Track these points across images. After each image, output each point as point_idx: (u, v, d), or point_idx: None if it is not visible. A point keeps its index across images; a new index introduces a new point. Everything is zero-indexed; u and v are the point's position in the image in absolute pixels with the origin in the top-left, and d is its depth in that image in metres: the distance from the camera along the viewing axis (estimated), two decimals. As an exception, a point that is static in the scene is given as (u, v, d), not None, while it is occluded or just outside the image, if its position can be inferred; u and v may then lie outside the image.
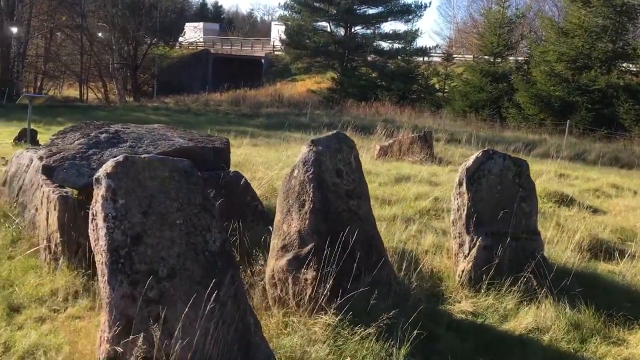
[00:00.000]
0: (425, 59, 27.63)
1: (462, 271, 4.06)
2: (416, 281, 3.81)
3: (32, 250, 4.39)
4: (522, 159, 4.45)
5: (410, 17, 29.37)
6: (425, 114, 20.22)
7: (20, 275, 4.05)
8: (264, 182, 6.36)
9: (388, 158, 9.50)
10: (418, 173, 7.75)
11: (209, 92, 29.74)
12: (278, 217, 3.54)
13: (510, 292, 3.82)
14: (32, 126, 10.86)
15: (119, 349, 2.54)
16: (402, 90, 24.21)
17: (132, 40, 32.11)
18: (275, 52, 36.86)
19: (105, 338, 2.62)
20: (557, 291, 3.79)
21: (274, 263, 3.44)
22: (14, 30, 24.13)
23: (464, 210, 4.18)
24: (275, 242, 3.50)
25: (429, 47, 29.06)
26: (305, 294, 3.22)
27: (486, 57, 22.95)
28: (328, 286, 3.13)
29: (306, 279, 3.24)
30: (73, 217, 4.00)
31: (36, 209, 4.87)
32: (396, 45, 28.73)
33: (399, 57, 26.84)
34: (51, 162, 4.49)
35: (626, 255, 4.67)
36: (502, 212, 4.14)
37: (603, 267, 4.65)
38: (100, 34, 31.77)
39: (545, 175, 8.30)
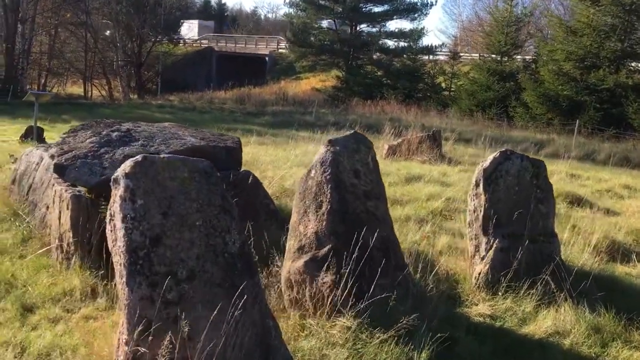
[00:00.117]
0: (431, 57, 27.50)
1: (479, 273, 4.01)
2: (432, 283, 3.76)
3: (43, 249, 4.36)
4: (540, 160, 4.39)
5: (415, 15, 29.29)
6: (431, 113, 20.13)
7: (32, 274, 4.01)
8: (274, 182, 6.32)
9: (397, 157, 9.44)
10: (428, 173, 7.69)
11: (213, 89, 29.69)
12: (294, 217, 3.50)
13: (528, 295, 3.77)
14: (38, 123, 10.84)
15: (138, 351, 2.51)
16: (408, 89, 24.10)
17: (137, 37, 32.08)
18: (280, 50, 36.79)
19: (124, 340, 2.58)
20: (576, 294, 3.73)
21: (290, 264, 3.39)
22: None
23: (480, 211, 4.12)
24: (291, 244, 3.45)
25: (435, 46, 28.97)
26: (323, 296, 3.17)
27: (493, 55, 22.81)
28: (347, 289, 3.08)
29: (324, 281, 3.20)
30: (86, 216, 3.97)
31: (47, 208, 4.84)
32: (402, 44, 28.65)
33: (405, 56, 26.72)
34: (63, 160, 4.45)
35: (643, 258, 4.61)
36: (519, 213, 4.08)
37: (620, 269, 4.59)
38: (108, 32, 31.77)
39: (556, 175, 8.22)
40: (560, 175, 8.37)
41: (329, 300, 3.11)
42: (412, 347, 2.96)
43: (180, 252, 2.61)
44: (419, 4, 29.02)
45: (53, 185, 4.47)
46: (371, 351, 2.95)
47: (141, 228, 2.57)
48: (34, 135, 10.53)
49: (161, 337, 2.50)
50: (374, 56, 28.40)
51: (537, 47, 22.87)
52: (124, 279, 2.57)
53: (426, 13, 31.28)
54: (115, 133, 4.85)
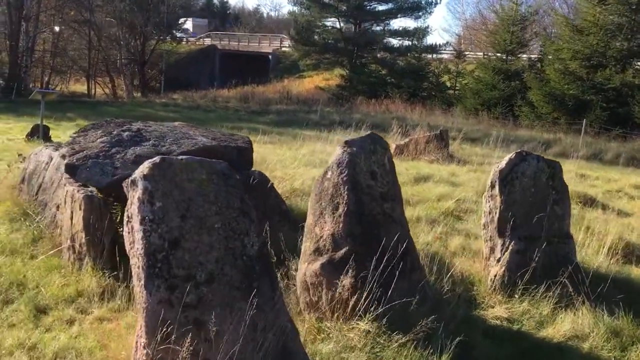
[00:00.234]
0: (435, 56, 27.39)
1: (495, 275, 3.97)
2: (447, 286, 3.72)
3: (55, 250, 4.33)
4: (555, 161, 4.34)
5: (420, 13, 29.15)
6: (436, 112, 20.04)
7: (44, 275, 3.99)
8: (283, 182, 6.28)
9: (404, 157, 9.39)
10: (437, 173, 7.64)
11: (217, 88, 29.65)
12: (310, 219, 3.46)
13: (545, 298, 3.73)
14: (44, 122, 10.82)
15: (157, 355, 2.48)
16: (413, 88, 23.98)
17: (140, 35, 32.03)
18: (283, 49, 36.71)
19: (142, 344, 2.56)
20: (594, 297, 3.69)
21: (306, 267, 3.36)
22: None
23: (496, 213, 4.08)
24: (307, 245, 3.42)
25: (439, 45, 28.85)
26: (341, 299, 3.14)
27: (498, 54, 22.68)
28: (365, 292, 3.04)
29: (341, 284, 3.16)
30: (98, 216, 3.94)
31: (57, 208, 4.81)
32: (406, 42, 28.53)
33: (409, 54, 26.63)
34: (74, 160, 4.42)
35: (659, 260, 4.56)
36: (535, 215, 4.04)
37: (636, 272, 4.54)
38: (114, 30, 31.73)
39: (566, 175, 8.10)
40: (570, 175, 8.29)
41: (347, 303, 3.07)
42: (431, 350, 2.93)
43: (199, 255, 2.58)
44: (423, 2, 28.91)
45: (64, 185, 4.44)
46: (390, 355, 2.92)
47: (160, 231, 2.54)
48: (40, 134, 10.50)
49: (181, 341, 2.47)
50: (378, 55, 28.30)
51: (543, 45, 22.74)
52: (142, 282, 2.54)
53: (430, 11, 31.20)
54: (126, 133, 4.82)
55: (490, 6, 32.96)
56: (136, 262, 2.59)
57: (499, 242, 4.05)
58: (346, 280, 3.10)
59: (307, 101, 23.53)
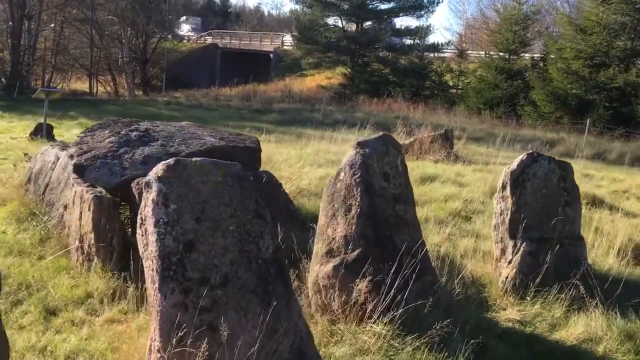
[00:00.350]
0: (438, 55, 27.33)
1: (506, 277, 3.94)
2: (459, 288, 3.70)
3: (63, 250, 4.31)
4: (567, 162, 4.32)
5: (422, 12, 29.09)
6: (438, 111, 19.99)
7: (52, 276, 3.97)
8: (290, 182, 6.25)
9: (409, 157, 9.33)
10: (443, 173, 7.61)
11: (218, 86, 29.59)
12: (322, 220, 3.44)
13: (557, 300, 3.70)
14: (47, 120, 10.79)
15: (172, 359, 2.45)
16: (415, 87, 23.92)
17: (142, 33, 31.98)
18: (285, 47, 36.65)
19: (156, 347, 2.53)
20: (607, 299, 3.67)
21: (319, 269, 3.33)
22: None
23: (507, 214, 4.06)
24: (319, 247, 3.39)
25: (442, 43, 28.78)
26: (353, 301, 3.11)
27: (501, 53, 22.62)
28: (379, 294, 3.02)
29: (355, 286, 3.14)
30: (108, 218, 3.92)
31: (65, 208, 4.79)
32: (408, 41, 28.46)
33: (412, 53, 26.57)
34: (82, 160, 4.41)
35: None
36: (546, 216, 4.01)
37: (647, 273, 4.51)
38: (116, 28, 31.68)
39: (571, 175, 8.11)
40: (575, 175, 8.21)
41: (363, 306, 3.05)
42: (447, 354, 2.91)
43: (213, 257, 2.55)
44: (425, 1, 28.84)
45: (72, 185, 4.41)
46: (404, 358, 2.90)
47: (174, 233, 2.51)
48: (43, 132, 10.48)
49: (195, 344, 2.45)
50: (380, 54, 28.25)
51: (545, 45, 22.67)
52: (156, 285, 2.52)
53: (432, 10, 31.03)
54: (134, 133, 4.80)
55: (491, 5, 32.88)
56: (150, 265, 2.56)
57: (510, 243, 4.03)
58: (362, 284, 3.07)
59: (309, 100, 23.46)
